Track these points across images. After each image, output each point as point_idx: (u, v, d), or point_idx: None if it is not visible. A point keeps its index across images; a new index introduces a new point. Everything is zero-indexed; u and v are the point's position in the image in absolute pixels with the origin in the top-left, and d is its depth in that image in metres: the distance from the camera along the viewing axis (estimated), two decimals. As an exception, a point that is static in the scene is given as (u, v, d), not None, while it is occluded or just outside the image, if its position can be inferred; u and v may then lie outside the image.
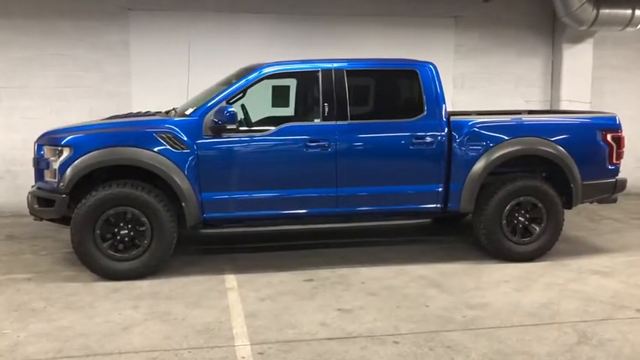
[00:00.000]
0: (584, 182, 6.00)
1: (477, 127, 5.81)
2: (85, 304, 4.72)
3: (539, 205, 5.93)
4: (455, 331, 4.22)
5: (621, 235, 7.11)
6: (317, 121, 5.65)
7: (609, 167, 6.11)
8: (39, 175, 5.51)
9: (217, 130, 5.36)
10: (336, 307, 4.69)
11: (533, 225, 5.96)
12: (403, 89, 6.08)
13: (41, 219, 5.62)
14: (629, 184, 6.34)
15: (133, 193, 5.22)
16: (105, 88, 8.16)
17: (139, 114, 6.27)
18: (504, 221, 5.87)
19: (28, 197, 5.52)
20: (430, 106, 5.77)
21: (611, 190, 6.17)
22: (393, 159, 5.69)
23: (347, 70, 5.69)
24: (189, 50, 7.15)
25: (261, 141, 5.48)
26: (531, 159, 6.02)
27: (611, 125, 6.12)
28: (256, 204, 5.51)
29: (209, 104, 5.46)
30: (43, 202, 5.37)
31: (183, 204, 5.33)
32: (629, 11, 8.43)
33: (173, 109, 6.29)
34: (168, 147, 5.29)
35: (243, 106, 5.87)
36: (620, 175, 6.21)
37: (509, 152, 5.79)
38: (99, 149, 5.22)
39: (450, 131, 5.76)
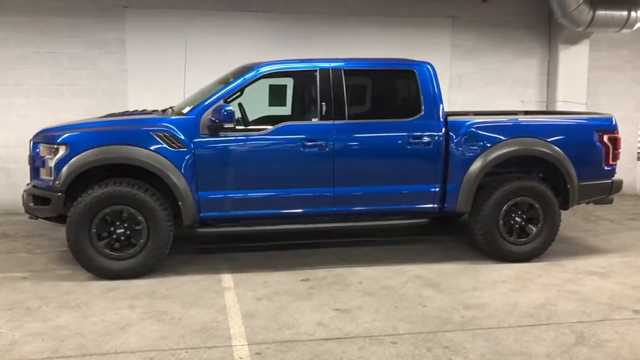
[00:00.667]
0: (581, 183, 6.01)
1: (474, 128, 5.81)
2: (81, 303, 4.69)
3: (536, 205, 5.93)
4: (453, 331, 4.22)
5: (617, 236, 7.13)
6: (315, 120, 5.63)
7: (606, 168, 6.12)
8: (34, 173, 5.47)
9: (215, 128, 5.33)
10: (333, 307, 4.67)
11: (529, 225, 5.97)
12: (401, 89, 6.07)
13: (36, 217, 5.57)
14: (624, 185, 6.36)
15: (130, 192, 5.19)
16: (100, 86, 8.12)
17: (135, 112, 6.23)
18: (501, 221, 5.88)
19: (23, 195, 5.48)
20: (428, 106, 5.76)
21: (608, 191, 6.18)
22: (390, 159, 5.68)
23: (345, 70, 5.67)
24: (185, 49, 7.14)
25: (259, 140, 5.46)
26: (528, 159, 6.04)
27: (608, 126, 6.14)
28: (253, 203, 5.49)
29: (206, 103, 5.43)
30: (38, 200, 5.33)
31: (179, 203, 5.30)
32: (625, 13, 8.45)
33: (170, 107, 6.26)
34: (165, 145, 5.26)
35: (240, 105, 5.84)
36: (616, 176, 6.23)
37: (506, 153, 5.79)
38: (95, 147, 5.18)
39: (447, 131, 5.75)
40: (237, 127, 5.42)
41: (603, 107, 8.97)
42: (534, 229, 5.96)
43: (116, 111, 7.62)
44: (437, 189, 5.78)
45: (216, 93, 5.50)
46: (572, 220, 7.71)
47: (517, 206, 5.92)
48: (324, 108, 5.58)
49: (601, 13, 8.36)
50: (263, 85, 6.27)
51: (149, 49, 8.18)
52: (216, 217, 5.53)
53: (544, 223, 5.96)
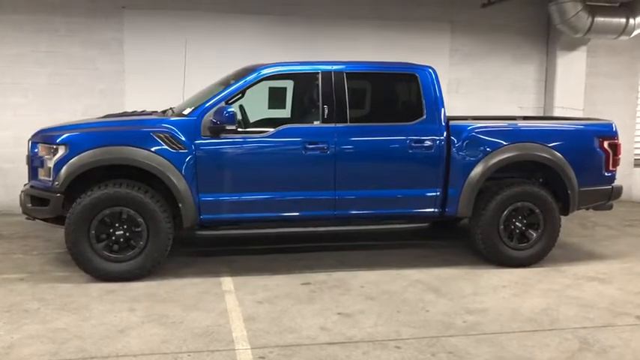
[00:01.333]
0: (581, 189, 6.01)
1: (475, 132, 5.81)
2: (80, 306, 4.63)
3: (537, 210, 5.93)
4: (456, 336, 4.20)
5: (615, 242, 7.15)
6: (316, 123, 5.61)
7: (606, 174, 6.13)
8: (32, 173, 5.41)
9: (216, 130, 5.29)
10: (335, 311, 4.64)
11: (530, 231, 5.96)
12: (403, 93, 6.06)
13: (34, 218, 5.51)
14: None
15: (130, 193, 5.14)
16: (98, 86, 8.06)
17: (134, 113, 6.18)
18: (502, 226, 5.87)
19: (20, 196, 5.42)
20: (429, 110, 5.75)
21: (608, 196, 6.19)
22: (391, 162, 5.67)
23: (347, 73, 5.65)
24: (185, 50, 7.09)
25: (260, 142, 5.43)
26: (528, 164, 6.03)
27: (608, 132, 6.15)
28: (254, 206, 5.45)
29: (207, 104, 5.39)
30: (36, 201, 5.27)
31: (180, 205, 5.25)
32: (624, 20, 8.50)
33: (170, 108, 6.22)
34: (166, 147, 5.21)
35: (241, 107, 5.81)
36: (615, 182, 6.25)
37: (507, 157, 5.79)
38: (95, 148, 5.13)
39: (448, 135, 5.74)
40: (239, 129, 5.37)
41: (600, 113, 8.99)
42: (534, 235, 5.96)
43: (113, 111, 7.59)
44: (438, 193, 5.77)
45: (217, 94, 5.47)
46: (570, 226, 7.71)
47: (517, 211, 5.91)
48: (325, 111, 5.55)
49: (600, 19, 8.40)
50: (262, 88, 6.24)
51: (147, 49, 8.14)
52: (217, 220, 5.49)
53: (544, 228, 5.96)
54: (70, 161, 5.09)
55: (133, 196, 5.14)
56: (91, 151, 5.11)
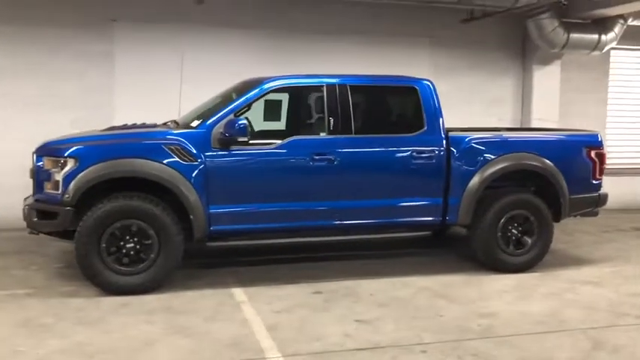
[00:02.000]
0: (572, 196, 6.30)
1: (474, 143, 6.03)
2: (97, 319, 4.58)
3: (531, 218, 6.18)
4: (475, 339, 4.35)
5: (598, 247, 7.47)
6: (323, 134, 5.72)
7: (593, 182, 6.44)
8: (37, 186, 5.32)
9: (227, 142, 5.34)
10: (353, 318, 4.73)
11: (525, 237, 6.20)
12: (403, 105, 6.23)
13: (38, 233, 5.42)
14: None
15: (141, 206, 5.12)
16: (87, 99, 7.96)
17: (136, 126, 6.15)
18: (499, 234, 6.09)
19: (24, 210, 5.31)
20: (430, 121, 5.95)
21: (595, 203, 6.50)
22: (395, 173, 5.83)
23: (350, 86, 5.79)
24: (182, 63, 7.14)
25: (270, 154, 5.50)
26: (521, 173, 6.27)
27: (595, 142, 6.48)
28: (263, 217, 5.51)
29: (216, 116, 5.44)
30: (43, 215, 5.19)
31: (191, 217, 5.26)
32: (596, 36, 8.95)
33: (172, 121, 6.24)
34: (177, 159, 5.23)
35: (247, 119, 5.86)
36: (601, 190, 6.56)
37: (505, 167, 6.02)
38: (106, 160, 5.10)
39: (448, 146, 5.94)
40: (249, 141, 5.42)
41: (573, 126, 9.41)
42: (530, 241, 6.20)
43: (103, 125, 7.51)
44: (439, 202, 5.95)
45: (226, 107, 5.53)
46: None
47: (514, 219, 6.15)
48: (331, 122, 5.67)
49: (575, 35, 8.82)
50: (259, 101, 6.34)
51: (137, 62, 8.10)
52: (226, 231, 5.51)
53: (539, 235, 6.21)
54: (81, 174, 5.04)
55: (144, 209, 5.12)
56: (102, 163, 5.08)
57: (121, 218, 5.10)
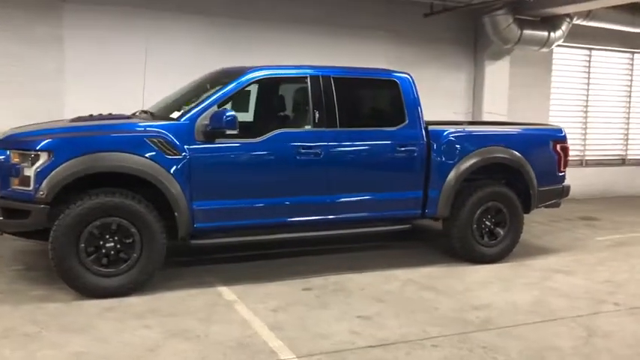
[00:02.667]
0: (540, 188, 6.53)
1: (452, 137, 6.10)
2: (85, 326, 4.25)
3: (504, 210, 6.35)
4: (478, 331, 4.40)
5: (556, 237, 7.81)
6: (308, 127, 5.59)
7: (558, 174, 6.71)
8: (3, 183, 4.85)
9: (212, 135, 5.10)
10: (353, 314, 4.67)
11: (497, 229, 6.37)
12: (385, 99, 6.19)
13: (2, 233, 4.97)
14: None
15: (123, 203, 4.80)
16: (35, 86, 7.38)
17: (104, 116, 5.75)
18: (475, 225, 6.22)
19: (-13, 208, 4.84)
20: (411, 115, 5.96)
21: (560, 195, 6.78)
22: (380, 166, 5.81)
23: (333, 78, 5.69)
24: (146, 51, 6.75)
25: (255, 147, 5.30)
26: (493, 166, 6.42)
27: (560, 136, 6.74)
28: (249, 212, 5.32)
29: (199, 107, 5.19)
30: (9, 214, 4.76)
31: (176, 214, 5.00)
32: (546, 33, 9.33)
33: (142, 111, 5.91)
34: (161, 152, 4.94)
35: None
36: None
37: (482, 160, 6.15)
38: (85, 154, 4.72)
39: (428, 140, 5.98)
40: (232, 133, 5.19)
41: (520, 119, 9.79)
42: (502, 232, 6.37)
43: (52, 113, 7.07)
44: (420, 195, 5.99)
45: (208, 98, 5.28)
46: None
47: (487, 211, 6.29)
48: (317, 115, 5.56)
49: (527, 32, 9.15)
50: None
51: (89, 47, 7.60)
52: (211, 228, 5.28)
53: (510, 226, 6.40)
54: (58, 169, 4.65)
55: (127, 206, 4.81)
56: (81, 157, 4.70)
57: (101, 216, 4.76)
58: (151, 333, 4.17)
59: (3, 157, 4.85)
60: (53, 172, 4.65)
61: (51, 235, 4.68)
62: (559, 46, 10.16)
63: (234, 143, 5.22)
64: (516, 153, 6.35)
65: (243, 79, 5.40)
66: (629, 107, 12.08)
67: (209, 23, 8.21)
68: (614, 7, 9.36)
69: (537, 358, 3.98)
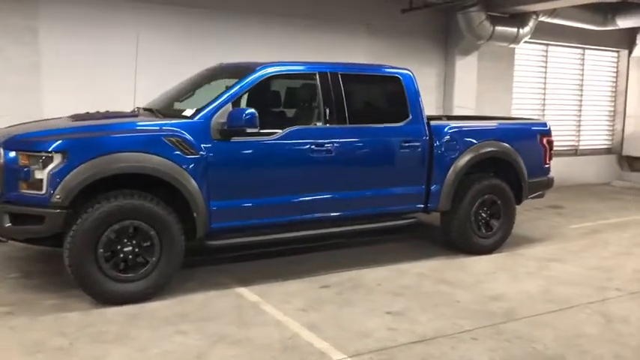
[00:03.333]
0: (529, 180, 6.78)
1: (453, 132, 6.23)
2: (118, 335, 4.08)
3: (498, 202, 6.56)
4: (508, 322, 4.54)
5: (532, 225, 8.12)
6: (319, 124, 5.56)
7: (545, 167, 6.99)
8: (7, 186, 4.54)
9: (228, 133, 4.98)
10: (381, 310, 4.71)
11: (492, 221, 6.57)
12: (389, 95, 6.21)
13: (7, 240, 4.68)
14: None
15: (143, 205, 4.62)
16: (9, 80, 6.93)
17: (101, 114, 5.51)
18: (472, 218, 6.39)
19: (-8, 214, 4.53)
20: (414, 111, 6.03)
21: (546, 186, 7.06)
22: (387, 162, 5.86)
23: (341, 74, 5.68)
24: (137, 44, 6.46)
25: (271, 145, 5.22)
26: (486, 160, 6.59)
27: (546, 130, 7.02)
28: (264, 211, 5.24)
29: (213, 105, 5.05)
30: (21, 219, 4.47)
31: (194, 214, 4.86)
32: (515, 29, 9.66)
33: (144, 108, 5.69)
34: (179, 152, 4.77)
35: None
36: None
37: (481, 154, 6.31)
38: (102, 155, 4.50)
39: (431, 135, 6.08)
40: (253, 132, 5.08)
41: (486, 112, 10.14)
42: (497, 224, 6.58)
43: (28, 109, 6.74)
44: (423, 190, 6.09)
45: (222, 95, 5.14)
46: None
47: (484, 203, 6.48)
48: (327, 112, 5.54)
49: (499, 28, 9.43)
50: (220, 86, 6.00)
51: (67, 40, 7.20)
52: (227, 228, 5.16)
53: (504, 217, 6.61)
54: (75, 171, 4.40)
55: (147, 208, 4.63)
56: (99, 158, 4.47)
57: (120, 219, 4.55)
58: (189, 339, 4.05)
59: (8, 159, 4.53)
60: (70, 175, 4.40)
61: (68, 241, 4.44)
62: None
63: (251, 141, 5.12)
64: (510, 146, 6.56)
65: (255, 75, 5.29)
66: (580, 100, 12.72)
67: (191, 14, 7.97)
68: (577, 6, 9.81)
69: (572, 345, 4.16)
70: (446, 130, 6.20)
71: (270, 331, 4.22)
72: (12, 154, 4.52)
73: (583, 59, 12.63)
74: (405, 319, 4.53)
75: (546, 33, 11.12)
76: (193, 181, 4.83)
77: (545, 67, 11.96)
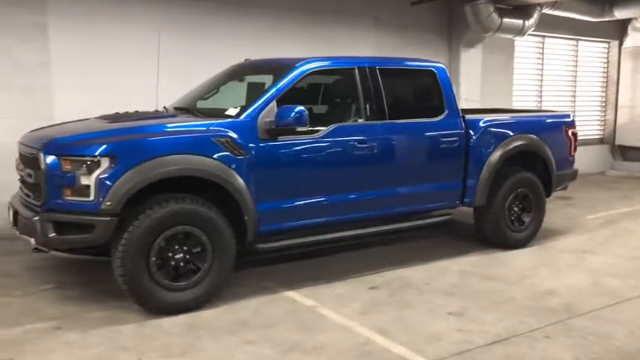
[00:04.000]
0: (557, 172, 6.76)
1: (488, 125, 6.15)
2: (185, 348, 3.87)
3: (530, 195, 6.52)
4: (573, 318, 4.48)
5: (548, 218, 7.59)
6: (360, 120, 5.40)
7: (570, 159, 6.98)
8: (50, 193, 4.25)
9: (276, 132, 4.79)
10: (441, 311, 4.60)
11: (524, 214, 6.53)
12: (425, 89, 6.08)
13: (48, 250, 4.40)
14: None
15: (195, 210, 4.40)
16: (17, 80, 6.58)
17: (130, 114, 5.26)
18: (506, 212, 6.34)
19: (34, 224, 4.23)
20: (450, 105, 5.93)
21: (572, 178, 7.06)
22: (428, 158, 5.75)
23: (379, 69, 5.54)
24: (159, 40, 6.20)
25: (317, 143, 5.04)
26: (517, 153, 6.52)
27: (570, 122, 7.01)
28: (312, 211, 5.08)
29: (258, 104, 4.85)
30: (67, 229, 4.20)
31: (245, 218, 4.66)
32: (521, 21, 9.65)
33: (175, 107, 5.48)
34: (228, 153, 4.57)
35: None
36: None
37: (515, 147, 6.25)
38: (153, 158, 4.26)
39: (467, 129, 5.99)
40: (295, 130, 4.90)
41: (486, 104, 10.11)
42: (529, 217, 6.55)
43: (38, 109, 6.46)
44: (460, 185, 6.00)
45: (266, 93, 4.95)
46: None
47: (517, 197, 6.43)
48: (368, 108, 5.39)
49: (506, 20, 9.41)
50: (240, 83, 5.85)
51: (78, 37, 6.88)
52: (274, 230, 4.98)
53: (536, 211, 6.58)
54: (125, 175, 4.15)
55: (199, 213, 4.41)
56: (150, 162, 4.24)
57: (173, 225, 4.33)
58: (260, 349, 3.87)
59: (50, 164, 4.25)
60: (120, 180, 4.15)
61: (119, 250, 4.20)
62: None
63: (297, 140, 4.94)
64: (541, 139, 6.52)
65: (297, 71, 5.10)
66: (574, 90, 12.85)
67: (193, 9, 7.71)
68: (580, -1, 9.90)
69: (646, 340, 4.13)
70: (481, 124, 6.11)
71: (340, 337, 4.07)
72: (53, 158, 4.24)
73: (577, 50, 12.75)
74: (469, 320, 4.43)
75: (544, 25, 11.17)
76: (243, 183, 4.63)
77: (542, 58, 12.03)
